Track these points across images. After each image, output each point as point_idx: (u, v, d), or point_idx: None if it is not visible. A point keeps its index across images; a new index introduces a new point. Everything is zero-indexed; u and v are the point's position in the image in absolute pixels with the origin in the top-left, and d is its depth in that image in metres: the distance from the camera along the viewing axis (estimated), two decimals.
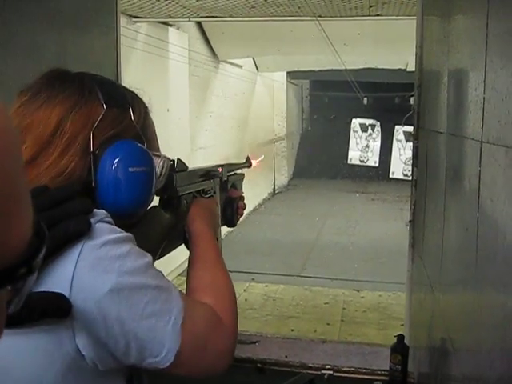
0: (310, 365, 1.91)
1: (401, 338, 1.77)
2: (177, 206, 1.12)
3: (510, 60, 0.80)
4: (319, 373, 1.89)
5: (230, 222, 1.34)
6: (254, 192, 9.94)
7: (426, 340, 1.71)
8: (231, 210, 1.34)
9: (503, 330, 0.80)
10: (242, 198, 1.39)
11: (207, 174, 1.25)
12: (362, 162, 12.82)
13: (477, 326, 0.97)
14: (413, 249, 2.20)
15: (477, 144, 0.95)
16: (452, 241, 1.29)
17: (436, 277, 1.54)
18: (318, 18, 5.08)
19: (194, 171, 1.21)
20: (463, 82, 1.16)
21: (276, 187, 13.60)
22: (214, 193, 1.25)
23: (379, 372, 1.87)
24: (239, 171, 1.42)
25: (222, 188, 1.30)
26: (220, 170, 1.30)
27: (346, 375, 1.90)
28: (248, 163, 1.45)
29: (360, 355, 2.05)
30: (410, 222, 2.19)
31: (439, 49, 1.62)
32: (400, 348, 1.77)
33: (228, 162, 1.38)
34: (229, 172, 1.34)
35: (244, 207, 1.38)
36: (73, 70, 1.02)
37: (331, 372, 1.89)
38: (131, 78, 4.53)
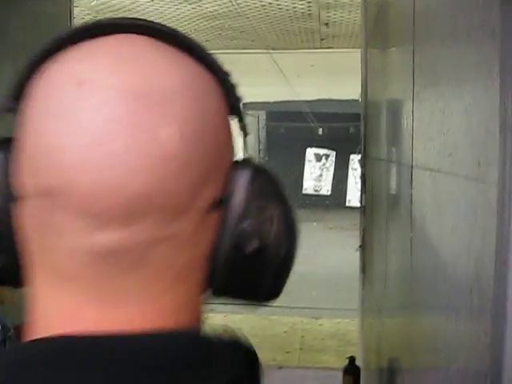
0: None
1: (352, 359, 1.82)
2: None
3: (432, 92, 0.87)
4: None
5: None
6: None
7: (376, 361, 1.76)
8: None
9: (434, 350, 0.85)
10: None
11: None
12: (315, 191, 13.02)
13: (413, 346, 1.02)
14: (363, 274, 2.26)
15: (408, 169, 1.02)
16: (392, 264, 1.35)
17: (382, 300, 1.59)
18: (271, 51, 5.22)
19: None
20: (397, 112, 1.25)
21: None
22: None
23: None
24: None
25: None
26: None
27: None
28: None
29: (316, 380, 2.08)
30: (359, 247, 2.26)
31: (379, 81, 1.71)
32: (352, 369, 1.82)
33: None
34: None
35: None
36: None
37: None
38: None
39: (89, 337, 0.41)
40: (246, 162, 0.44)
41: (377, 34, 1.86)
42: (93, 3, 3.60)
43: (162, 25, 0.44)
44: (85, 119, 0.39)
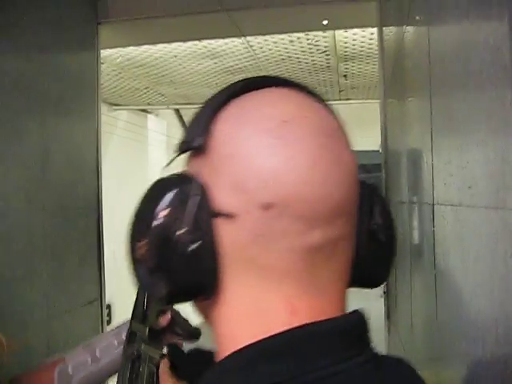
0: None
1: None
2: None
3: (450, 130, 0.90)
4: None
5: None
6: None
7: None
8: None
9: None
10: None
11: None
12: None
13: None
14: (388, 320, 2.24)
15: (430, 207, 1.04)
16: (418, 305, 1.35)
17: (409, 347, 1.58)
18: None
19: None
20: (417, 155, 1.28)
21: None
22: None
23: None
24: None
25: None
26: None
27: None
28: None
29: None
30: (384, 293, 2.25)
31: (398, 129, 1.75)
32: None
33: None
34: None
35: None
36: (53, 154, 1.07)
37: None
38: (111, 162, 4.65)
39: (323, 322, 0.52)
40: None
41: (394, 84, 1.91)
42: (118, 60, 3.73)
43: (291, 79, 0.59)
44: (296, 148, 0.51)
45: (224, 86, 0.60)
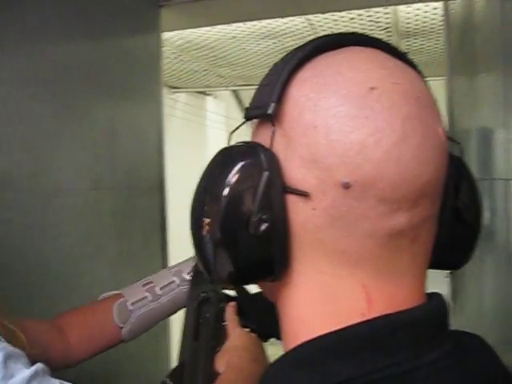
0: None
1: None
2: None
3: None
4: None
5: None
6: None
7: None
8: None
9: None
10: None
11: None
12: None
13: None
14: (453, 302, 2.20)
15: (504, 182, 1.01)
16: (490, 288, 1.32)
17: (479, 330, 1.53)
18: None
19: None
20: (489, 129, 1.24)
21: None
22: None
23: None
24: None
25: None
26: None
27: None
28: None
29: None
30: (450, 273, 2.20)
31: (466, 107, 1.70)
32: None
33: None
34: None
35: None
36: (120, 136, 1.09)
37: None
38: (171, 145, 4.72)
39: (402, 313, 0.48)
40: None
41: (462, 60, 1.85)
42: (177, 42, 3.77)
43: (374, 37, 0.53)
44: (384, 120, 0.46)
45: None
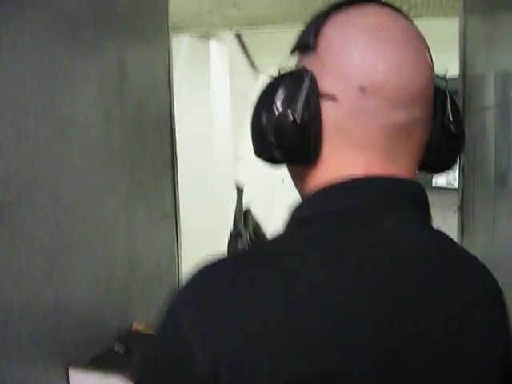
0: None
1: None
2: None
3: None
4: None
5: None
6: None
7: None
8: None
9: None
10: None
11: None
12: None
13: None
14: (462, 235, 2.22)
15: None
16: (501, 222, 1.31)
17: (489, 263, 1.54)
18: None
19: None
20: (509, 79, 1.20)
21: None
22: None
23: None
24: None
25: None
26: None
27: None
28: None
29: None
30: (458, 208, 2.22)
31: (483, 50, 1.63)
32: None
33: None
34: None
35: None
36: (128, 71, 1.06)
37: None
38: (175, 88, 4.66)
39: (383, 176, 0.67)
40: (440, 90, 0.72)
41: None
42: None
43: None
44: (388, 44, 0.65)
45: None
